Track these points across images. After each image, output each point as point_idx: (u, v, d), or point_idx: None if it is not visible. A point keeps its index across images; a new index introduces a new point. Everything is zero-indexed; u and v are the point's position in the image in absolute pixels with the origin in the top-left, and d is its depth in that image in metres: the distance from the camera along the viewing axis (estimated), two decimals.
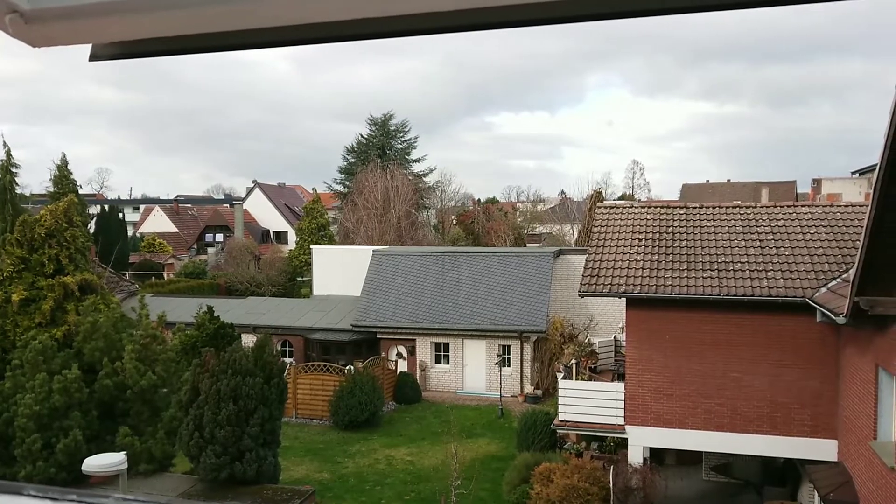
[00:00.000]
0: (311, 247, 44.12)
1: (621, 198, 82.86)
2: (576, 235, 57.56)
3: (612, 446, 20.55)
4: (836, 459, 15.99)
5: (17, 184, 28.01)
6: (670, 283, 17.04)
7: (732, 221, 18.67)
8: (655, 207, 20.43)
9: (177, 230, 72.52)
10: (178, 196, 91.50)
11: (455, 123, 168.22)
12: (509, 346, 30.22)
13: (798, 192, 62.34)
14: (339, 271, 36.35)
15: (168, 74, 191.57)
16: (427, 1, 0.98)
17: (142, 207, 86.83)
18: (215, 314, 25.97)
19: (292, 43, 1.16)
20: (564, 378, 20.30)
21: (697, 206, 19.90)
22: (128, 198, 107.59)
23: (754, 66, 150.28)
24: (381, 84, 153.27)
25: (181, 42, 1.15)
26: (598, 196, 51.79)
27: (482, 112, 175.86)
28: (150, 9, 1.04)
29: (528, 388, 29.80)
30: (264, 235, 75.68)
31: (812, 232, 17.83)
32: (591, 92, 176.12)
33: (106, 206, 59.75)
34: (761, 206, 19.50)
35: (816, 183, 52.64)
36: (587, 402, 18.78)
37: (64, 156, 46.21)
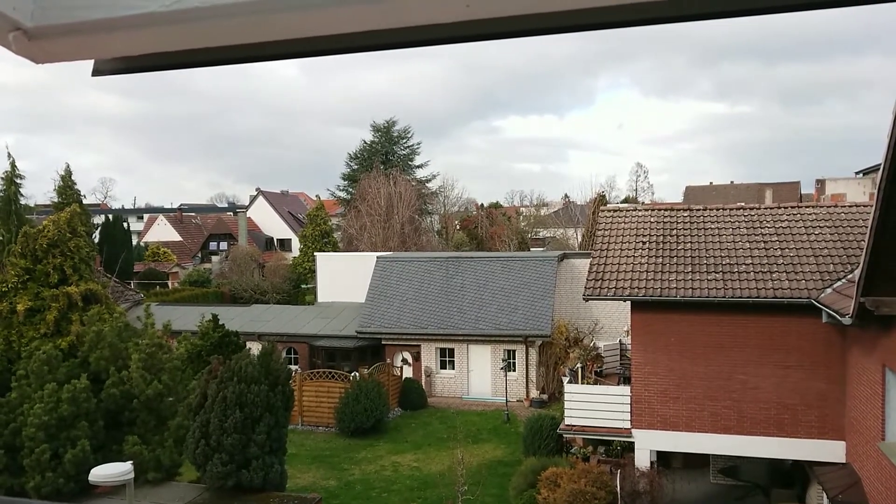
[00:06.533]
0: (315, 254, 44.15)
1: (625, 201, 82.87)
2: (579, 239, 57.52)
3: (618, 450, 20.48)
4: (844, 461, 15.92)
5: (21, 194, 28.11)
6: (675, 285, 17.01)
7: (736, 223, 18.63)
8: (659, 210, 20.40)
9: (181, 239, 72.64)
10: (181, 205, 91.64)
11: (462, 127, 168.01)
12: (514, 351, 30.17)
13: (802, 192, 62.26)
14: (343, 278, 36.36)
15: (172, 81, 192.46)
16: (434, 13, 0.98)
17: (146, 217, 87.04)
18: (220, 322, 26.00)
19: (296, 55, 1.16)
20: (570, 382, 20.25)
21: (701, 208, 19.87)
22: (132, 207, 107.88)
23: (768, 65, 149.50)
24: (390, 87, 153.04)
25: (184, 56, 1.15)
26: (601, 199, 51.80)
27: (490, 115, 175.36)
28: (152, 24, 1.04)
29: (534, 393, 29.75)
30: (268, 243, 75.75)
31: (816, 233, 17.79)
32: (600, 94, 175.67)
33: (110, 216, 59.90)
34: (765, 208, 19.46)
35: (820, 183, 52.57)
36: (593, 405, 18.73)
37: (68, 166, 46.45)
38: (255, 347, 27.19)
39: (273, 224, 78.90)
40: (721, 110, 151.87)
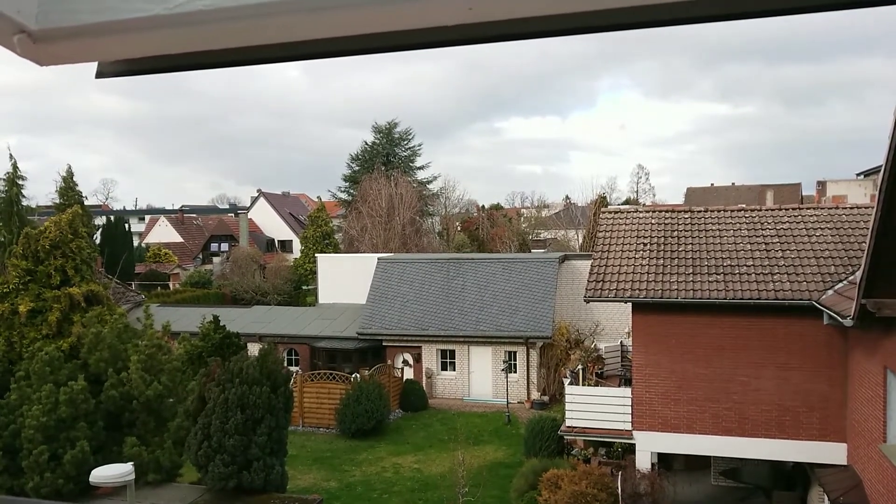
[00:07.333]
0: (316, 255, 44.16)
1: (626, 202, 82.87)
2: (580, 240, 57.52)
3: (619, 452, 20.47)
4: (845, 463, 15.90)
5: (23, 196, 28.14)
6: (676, 287, 16.99)
7: (738, 225, 18.62)
8: (660, 212, 20.40)
9: (182, 240, 72.65)
10: (182, 206, 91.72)
11: (464, 128, 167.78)
12: (515, 353, 30.15)
13: (803, 194, 62.23)
14: (344, 279, 36.34)
15: (174, 82, 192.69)
16: (436, 15, 0.98)
17: (147, 218, 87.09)
18: (221, 323, 26.00)
19: (299, 58, 1.17)
20: (571, 384, 20.24)
21: (702, 209, 19.87)
22: (133, 208, 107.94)
23: (770, 66, 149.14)
24: (391, 89, 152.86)
25: (187, 59, 1.15)
26: (602, 201, 51.83)
27: (492, 117, 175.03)
28: (156, 27, 1.04)
29: (535, 394, 29.73)
30: (269, 244, 75.77)
31: (818, 234, 17.77)
32: (602, 95, 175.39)
33: (111, 217, 59.93)
34: (766, 210, 19.46)
35: (821, 185, 52.58)
36: (594, 407, 18.72)
37: (69, 167, 46.47)
38: (255, 349, 27.19)
39: (274, 225, 78.93)
40: (723, 111, 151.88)
